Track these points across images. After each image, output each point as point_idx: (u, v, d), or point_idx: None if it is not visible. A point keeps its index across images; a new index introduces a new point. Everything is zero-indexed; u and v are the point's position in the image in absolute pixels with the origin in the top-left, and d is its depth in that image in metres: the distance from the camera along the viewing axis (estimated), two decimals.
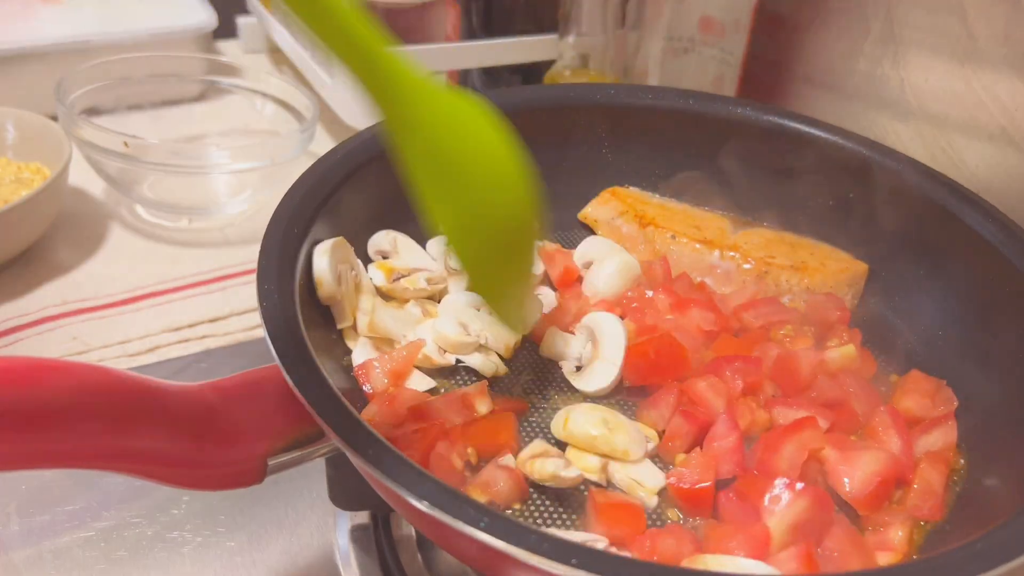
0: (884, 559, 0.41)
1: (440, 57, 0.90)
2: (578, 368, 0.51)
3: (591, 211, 0.64)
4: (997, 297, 0.50)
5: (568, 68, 0.86)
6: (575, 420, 0.45)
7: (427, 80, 0.33)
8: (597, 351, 0.50)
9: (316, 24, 0.31)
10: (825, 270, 0.57)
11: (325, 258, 0.48)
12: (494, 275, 0.39)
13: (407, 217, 0.58)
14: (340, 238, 0.50)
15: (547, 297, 0.56)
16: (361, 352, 0.49)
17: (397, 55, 0.32)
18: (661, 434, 0.47)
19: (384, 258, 0.55)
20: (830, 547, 0.40)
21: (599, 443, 0.44)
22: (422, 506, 0.32)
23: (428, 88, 0.33)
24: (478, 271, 0.38)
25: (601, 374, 0.49)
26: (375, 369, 0.48)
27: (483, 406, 0.47)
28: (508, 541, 0.31)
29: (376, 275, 0.54)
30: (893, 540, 0.42)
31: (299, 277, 0.46)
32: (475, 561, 0.38)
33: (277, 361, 0.38)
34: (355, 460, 0.35)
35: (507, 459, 0.44)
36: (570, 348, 0.52)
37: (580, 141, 0.64)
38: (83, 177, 0.82)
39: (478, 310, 0.52)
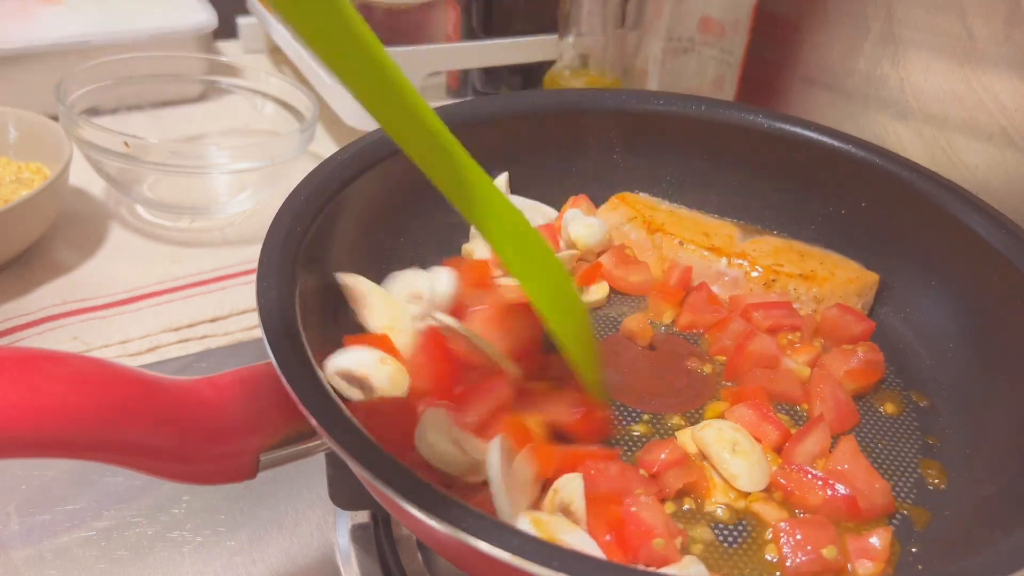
0: (866, 568, 0.41)
1: (440, 57, 0.90)
2: None
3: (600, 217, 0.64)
4: (1009, 309, 0.49)
5: (568, 68, 0.86)
6: (708, 431, 0.45)
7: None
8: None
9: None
10: (834, 279, 0.57)
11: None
12: (572, 337, 0.44)
13: (408, 219, 0.59)
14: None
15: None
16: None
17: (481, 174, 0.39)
18: None
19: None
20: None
21: (715, 460, 0.44)
22: (412, 509, 0.32)
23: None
24: (565, 334, 0.43)
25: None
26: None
27: None
28: (503, 547, 0.31)
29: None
30: (876, 546, 0.41)
31: (300, 276, 0.45)
32: (470, 567, 0.38)
33: (271, 357, 0.38)
34: (345, 460, 0.35)
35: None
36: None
37: (591, 146, 0.64)
38: (83, 177, 0.82)
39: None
